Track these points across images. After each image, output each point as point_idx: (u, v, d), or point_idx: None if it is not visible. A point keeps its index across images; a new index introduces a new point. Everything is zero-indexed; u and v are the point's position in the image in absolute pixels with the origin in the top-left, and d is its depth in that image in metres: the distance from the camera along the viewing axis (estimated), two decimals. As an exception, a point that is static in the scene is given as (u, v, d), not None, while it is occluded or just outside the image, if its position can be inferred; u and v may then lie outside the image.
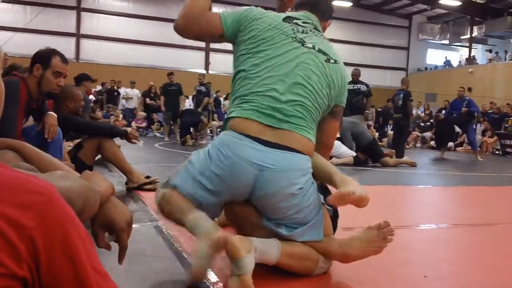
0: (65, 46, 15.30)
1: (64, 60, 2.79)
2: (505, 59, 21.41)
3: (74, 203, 0.86)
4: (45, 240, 0.61)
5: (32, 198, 0.62)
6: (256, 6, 1.94)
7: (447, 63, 24.34)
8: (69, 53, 17.03)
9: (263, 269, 1.64)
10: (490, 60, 22.28)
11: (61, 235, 0.63)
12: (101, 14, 19.02)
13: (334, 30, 22.14)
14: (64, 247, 0.63)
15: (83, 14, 18.79)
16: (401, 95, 9.45)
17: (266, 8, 1.90)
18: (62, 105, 3.49)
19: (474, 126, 13.08)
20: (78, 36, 18.67)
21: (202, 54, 20.41)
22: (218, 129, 14.80)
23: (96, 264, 0.67)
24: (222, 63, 20.08)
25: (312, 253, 1.72)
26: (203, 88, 11.30)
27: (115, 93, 13.87)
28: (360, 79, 9.37)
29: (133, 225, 2.48)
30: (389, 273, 1.88)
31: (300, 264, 1.70)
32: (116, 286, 0.70)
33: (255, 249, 1.56)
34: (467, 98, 10.47)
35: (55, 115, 2.90)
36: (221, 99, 15.91)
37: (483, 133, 14.20)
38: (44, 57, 2.72)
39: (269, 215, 1.71)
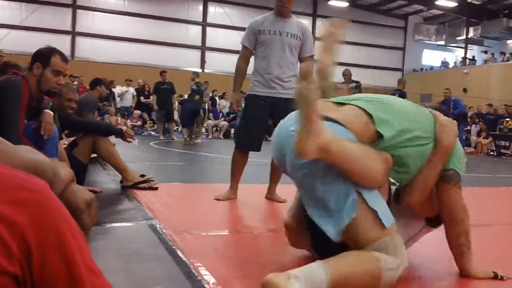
0: (60, 44, 15.21)
1: (64, 58, 2.78)
2: (501, 61, 21.50)
3: (46, 172, 0.86)
4: (38, 237, 0.61)
5: (24, 195, 0.62)
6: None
7: (445, 64, 24.42)
8: (64, 51, 16.35)
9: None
10: (485, 61, 22.38)
11: (54, 233, 0.63)
12: (96, 12, 18.95)
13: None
14: (57, 244, 0.63)
15: (79, 11, 18.71)
16: (396, 95, 9.52)
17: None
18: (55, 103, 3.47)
19: (469, 127, 13.14)
20: (73, 34, 18.59)
21: (197, 53, 20.38)
22: (214, 128, 14.81)
23: (89, 261, 0.67)
24: (218, 62, 20.06)
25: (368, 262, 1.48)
26: (194, 87, 11.24)
27: (107, 92, 13.72)
28: (357, 79, 9.43)
29: (128, 224, 2.50)
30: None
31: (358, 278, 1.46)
32: (109, 283, 0.70)
33: (295, 277, 1.36)
34: (453, 98, 10.57)
35: (51, 113, 2.89)
36: (217, 98, 15.88)
37: (478, 134, 14.26)
38: (44, 56, 2.71)
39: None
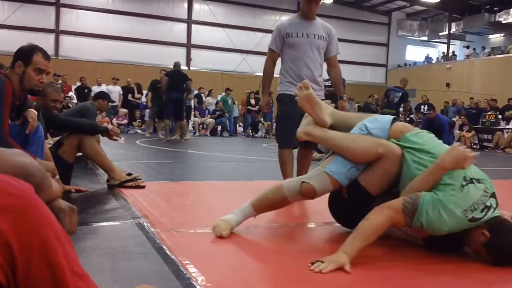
0: (44, 43, 14.96)
1: (46, 56, 2.75)
2: (483, 55, 21.79)
3: (34, 175, 0.86)
4: (22, 243, 0.60)
5: (9, 201, 0.61)
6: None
7: (428, 59, 24.66)
8: (48, 50, 16.15)
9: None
10: (467, 56, 22.66)
11: (39, 238, 0.62)
12: (80, 10, 18.72)
13: (315, 26, 22.19)
14: (41, 250, 0.62)
15: (62, 10, 18.48)
16: (400, 93, 9.65)
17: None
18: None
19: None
20: (57, 32, 18.36)
21: (183, 50, 20.29)
22: (200, 126, 14.79)
23: (74, 265, 0.67)
24: (204, 59, 20.01)
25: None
26: (191, 87, 11.18)
27: (85, 90, 13.58)
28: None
29: (115, 223, 2.50)
30: (374, 272, 1.92)
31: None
32: (96, 286, 0.70)
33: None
34: (437, 118, 10.61)
35: (35, 111, 2.88)
36: (203, 95, 15.84)
37: (461, 128, 14.46)
38: (25, 54, 2.68)
39: None
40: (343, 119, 2.39)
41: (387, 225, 1.94)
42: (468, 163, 1.93)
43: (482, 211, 1.91)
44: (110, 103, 6.02)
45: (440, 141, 2.20)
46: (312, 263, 1.80)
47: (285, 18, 3.70)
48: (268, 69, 3.61)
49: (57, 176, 2.73)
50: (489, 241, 1.90)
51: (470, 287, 1.78)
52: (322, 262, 1.80)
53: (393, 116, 2.36)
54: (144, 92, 14.08)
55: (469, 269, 1.92)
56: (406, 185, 2.06)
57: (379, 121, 2.27)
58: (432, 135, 2.23)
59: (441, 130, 10.16)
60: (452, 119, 14.58)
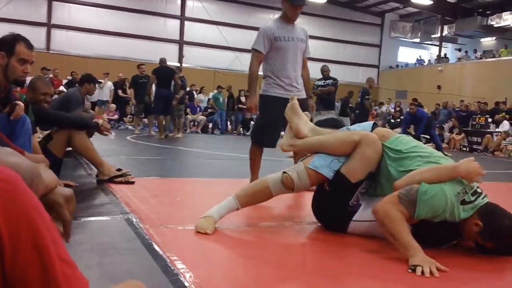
0: (36, 36, 14.89)
1: (29, 46, 2.71)
2: (474, 58, 21.97)
3: (23, 177, 0.85)
4: (10, 227, 0.60)
5: None
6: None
7: (420, 61, 24.82)
8: (40, 44, 16.57)
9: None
10: (459, 59, 22.84)
11: (27, 223, 0.62)
12: (72, 4, 18.59)
13: (307, 26, 22.22)
14: (30, 235, 0.62)
15: (54, 3, 18.33)
16: (360, 93, 10.12)
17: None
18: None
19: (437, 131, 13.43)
20: (49, 26, 18.21)
21: (176, 47, 20.22)
22: (192, 123, 14.75)
23: (62, 253, 0.67)
24: (196, 56, 19.96)
25: None
26: (179, 82, 11.06)
27: (76, 85, 13.45)
28: (334, 75, 9.51)
29: (104, 218, 2.49)
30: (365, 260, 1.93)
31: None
32: (82, 275, 0.70)
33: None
34: (418, 112, 10.95)
35: (22, 104, 2.85)
36: (195, 92, 15.80)
37: (451, 130, 14.56)
38: (8, 44, 2.63)
39: None
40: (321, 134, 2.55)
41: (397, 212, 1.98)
42: (476, 179, 2.03)
43: (473, 195, 2.03)
44: (97, 84, 5.78)
45: (418, 142, 2.37)
46: (412, 269, 1.81)
47: (271, 21, 3.75)
48: (256, 70, 3.67)
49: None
50: (483, 229, 1.98)
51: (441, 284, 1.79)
52: (416, 266, 1.80)
53: (372, 122, 2.57)
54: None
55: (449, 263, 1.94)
56: (382, 182, 2.23)
57: (361, 126, 2.50)
58: (411, 138, 2.40)
59: (419, 123, 10.64)
60: (444, 125, 14.71)
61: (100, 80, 14.41)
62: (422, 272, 1.77)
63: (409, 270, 1.80)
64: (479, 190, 2.07)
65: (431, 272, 1.77)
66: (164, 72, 9.84)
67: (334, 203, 2.32)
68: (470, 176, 2.01)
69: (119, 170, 3.57)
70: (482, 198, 2.06)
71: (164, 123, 10.06)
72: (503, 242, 2.00)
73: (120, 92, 14.28)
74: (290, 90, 3.60)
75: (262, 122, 3.71)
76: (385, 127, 15.34)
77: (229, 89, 15.60)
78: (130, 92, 11.56)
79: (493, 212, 2.01)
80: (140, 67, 11.13)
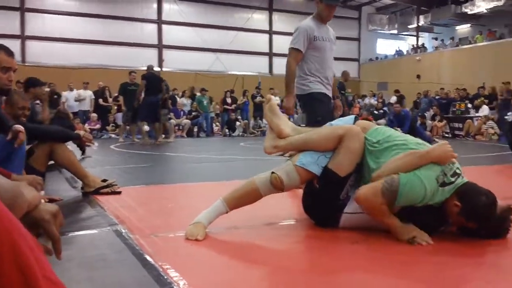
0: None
1: (9, 53, 2.67)
2: (451, 46, 22.27)
3: (2, 198, 0.82)
4: None
5: None
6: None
7: (399, 52, 25.06)
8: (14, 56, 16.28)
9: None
10: (436, 47, 23.12)
11: (9, 246, 0.61)
12: (46, 14, 18.31)
13: (283, 22, 22.31)
14: (12, 257, 0.61)
15: (27, 14, 18.05)
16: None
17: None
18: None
19: (419, 123, 13.61)
20: (23, 37, 17.92)
21: (155, 52, 20.08)
22: (176, 127, 14.67)
23: (48, 272, 0.65)
24: (176, 59, 19.84)
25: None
26: (164, 87, 10.99)
27: (55, 96, 13.25)
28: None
29: (91, 231, 2.44)
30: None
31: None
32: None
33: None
34: (403, 112, 11.17)
35: (21, 126, 2.80)
36: (177, 96, 15.71)
37: (433, 118, 14.73)
38: None
39: None
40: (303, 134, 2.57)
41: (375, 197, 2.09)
42: (449, 161, 2.10)
43: (452, 176, 2.08)
44: (44, 87, 5.15)
45: (394, 131, 2.44)
46: (410, 242, 2.03)
47: (307, 20, 3.85)
48: (295, 70, 3.74)
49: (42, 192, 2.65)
50: (462, 208, 2.02)
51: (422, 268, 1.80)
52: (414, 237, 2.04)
53: (354, 115, 2.59)
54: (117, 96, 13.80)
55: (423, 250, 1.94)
56: (365, 175, 2.27)
57: (343, 120, 2.52)
58: (388, 128, 2.47)
59: (404, 122, 10.78)
60: (425, 113, 14.87)
61: (80, 90, 14.28)
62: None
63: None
64: (458, 171, 2.12)
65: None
66: (153, 79, 9.85)
67: (325, 199, 2.31)
68: (442, 160, 2.09)
69: (104, 180, 3.52)
70: (462, 179, 2.12)
71: (157, 128, 10.09)
72: (483, 219, 2.03)
73: (101, 101, 14.14)
74: (328, 89, 3.78)
75: (319, 119, 3.67)
76: (368, 119, 15.52)
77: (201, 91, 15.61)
78: (121, 99, 11.47)
79: (470, 190, 2.06)
80: (131, 74, 11.03)
